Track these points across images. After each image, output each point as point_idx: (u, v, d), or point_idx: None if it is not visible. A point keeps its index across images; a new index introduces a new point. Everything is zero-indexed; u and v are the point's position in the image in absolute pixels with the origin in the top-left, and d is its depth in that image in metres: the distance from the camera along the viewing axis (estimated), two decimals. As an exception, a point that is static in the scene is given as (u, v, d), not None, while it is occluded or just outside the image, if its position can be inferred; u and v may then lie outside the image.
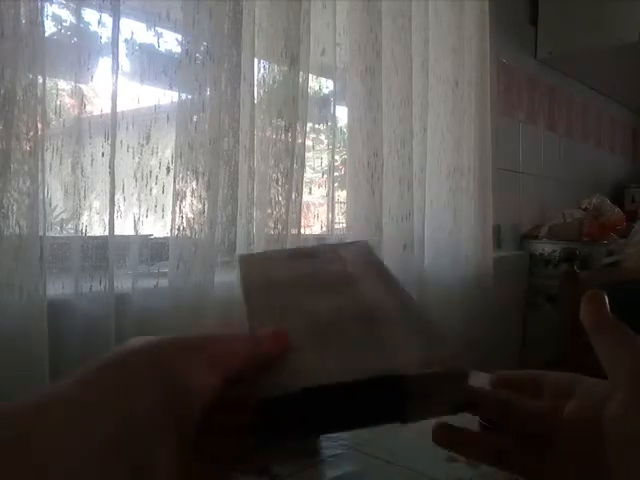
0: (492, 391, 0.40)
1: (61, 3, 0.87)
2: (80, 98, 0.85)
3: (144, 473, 0.25)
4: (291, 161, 1.07)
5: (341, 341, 0.38)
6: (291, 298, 0.45)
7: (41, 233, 0.78)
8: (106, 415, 0.25)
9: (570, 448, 0.32)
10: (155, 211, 0.95)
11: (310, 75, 1.14)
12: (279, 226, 1.06)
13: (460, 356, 0.36)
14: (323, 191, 1.26)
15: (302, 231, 1.14)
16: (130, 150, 0.91)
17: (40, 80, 0.77)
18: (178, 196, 0.93)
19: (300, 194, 1.10)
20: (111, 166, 0.85)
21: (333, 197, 1.25)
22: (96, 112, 0.87)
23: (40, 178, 0.77)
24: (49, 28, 0.84)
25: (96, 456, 0.24)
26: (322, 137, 1.31)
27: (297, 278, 0.49)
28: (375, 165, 1.25)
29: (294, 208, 1.09)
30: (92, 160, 0.86)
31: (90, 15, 0.85)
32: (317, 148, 1.29)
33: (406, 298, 0.44)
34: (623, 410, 0.30)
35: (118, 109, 0.86)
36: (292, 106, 1.07)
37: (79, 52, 0.84)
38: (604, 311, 0.34)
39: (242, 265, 0.50)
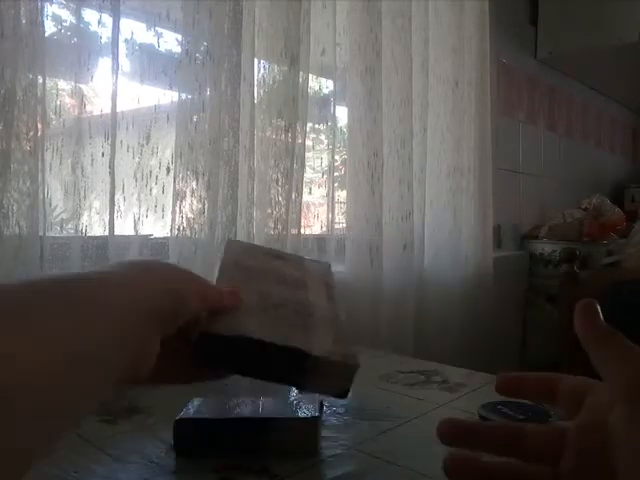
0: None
1: (61, 3, 0.87)
2: (80, 98, 0.85)
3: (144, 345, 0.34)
4: (291, 161, 1.07)
5: (277, 320, 0.51)
6: (253, 281, 0.58)
7: (41, 233, 0.78)
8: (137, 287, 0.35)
9: (578, 462, 0.31)
10: (155, 211, 0.95)
11: (310, 75, 1.14)
12: (279, 226, 1.06)
13: (354, 357, 0.50)
14: (323, 191, 1.26)
15: (302, 231, 1.14)
16: (130, 150, 0.91)
17: (40, 80, 0.77)
18: (178, 196, 0.93)
19: (300, 194, 1.10)
20: (111, 166, 0.85)
21: (333, 197, 1.25)
22: (96, 112, 0.87)
23: (40, 178, 0.77)
24: (49, 28, 0.84)
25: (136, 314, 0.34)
26: (322, 137, 1.31)
27: (264, 269, 0.62)
28: (375, 165, 1.25)
29: (294, 208, 1.09)
30: (92, 160, 0.86)
31: (90, 15, 0.85)
32: (317, 148, 1.29)
33: (337, 313, 0.58)
34: (622, 424, 0.29)
35: (118, 109, 0.86)
36: (292, 106, 1.07)
37: (79, 52, 0.84)
38: (599, 322, 0.33)
39: (227, 246, 0.64)
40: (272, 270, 0.62)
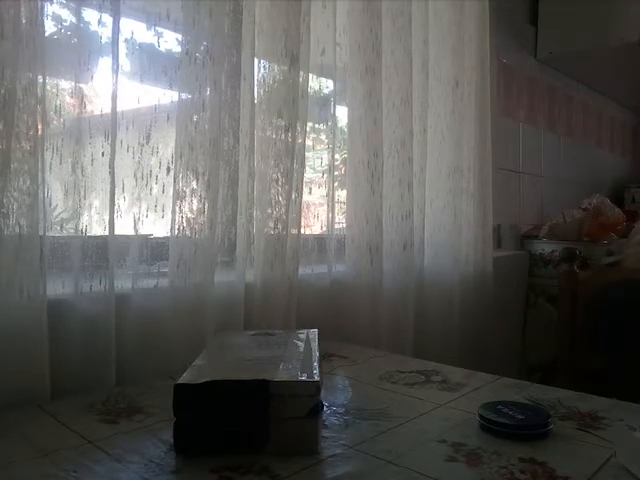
0: None
1: (61, 3, 0.87)
2: (80, 98, 0.84)
3: None
4: (291, 161, 1.07)
5: (250, 368, 0.62)
6: (234, 351, 0.71)
7: (41, 233, 0.78)
8: None
9: None
10: (155, 211, 0.95)
11: (310, 75, 1.14)
12: (279, 226, 1.06)
13: (313, 376, 0.60)
14: (323, 191, 1.26)
15: (302, 231, 1.14)
16: (130, 150, 0.91)
17: (40, 80, 0.77)
18: (178, 196, 0.93)
19: (300, 194, 1.10)
20: (111, 166, 0.85)
21: (333, 197, 1.25)
22: (96, 112, 0.87)
23: (40, 178, 0.77)
24: (49, 28, 0.83)
25: None
26: (322, 137, 1.31)
27: (247, 344, 0.75)
28: (375, 165, 1.25)
29: (294, 208, 1.09)
30: (92, 160, 0.86)
31: (90, 15, 0.85)
32: (317, 148, 1.29)
33: (312, 356, 0.69)
34: None
35: (118, 109, 0.86)
36: (292, 106, 1.07)
37: (79, 52, 0.84)
38: None
39: (211, 337, 0.87)
40: (255, 342, 0.75)
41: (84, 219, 0.86)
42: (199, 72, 0.94)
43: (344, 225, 1.29)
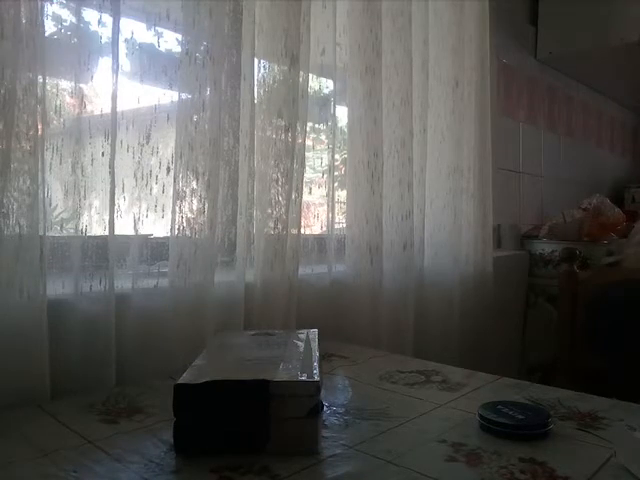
0: None
1: (61, 3, 0.87)
2: (80, 98, 0.84)
3: None
4: (291, 161, 1.07)
5: (250, 368, 0.62)
6: (234, 351, 0.72)
7: (41, 233, 0.78)
8: None
9: None
10: (155, 211, 0.95)
11: (310, 75, 1.14)
12: (279, 226, 1.06)
13: (313, 376, 0.60)
14: (323, 191, 1.26)
15: (302, 231, 1.14)
16: (130, 150, 0.91)
17: (40, 80, 0.77)
18: (178, 196, 0.93)
19: (300, 194, 1.10)
20: (111, 166, 0.85)
21: (333, 197, 1.25)
22: (96, 112, 0.87)
23: (40, 178, 0.77)
24: (49, 28, 0.83)
25: None
26: (322, 137, 1.31)
27: (247, 344, 0.75)
28: (375, 165, 1.25)
29: (294, 208, 1.09)
30: (92, 160, 0.86)
31: (90, 15, 0.85)
32: (317, 148, 1.29)
33: (312, 357, 0.69)
34: None
35: (118, 109, 0.86)
36: (292, 106, 1.07)
37: (79, 52, 0.84)
38: None
39: (211, 338, 0.87)
40: (255, 342, 0.76)
41: (84, 219, 0.86)
42: (199, 72, 0.94)
43: (344, 225, 1.29)
